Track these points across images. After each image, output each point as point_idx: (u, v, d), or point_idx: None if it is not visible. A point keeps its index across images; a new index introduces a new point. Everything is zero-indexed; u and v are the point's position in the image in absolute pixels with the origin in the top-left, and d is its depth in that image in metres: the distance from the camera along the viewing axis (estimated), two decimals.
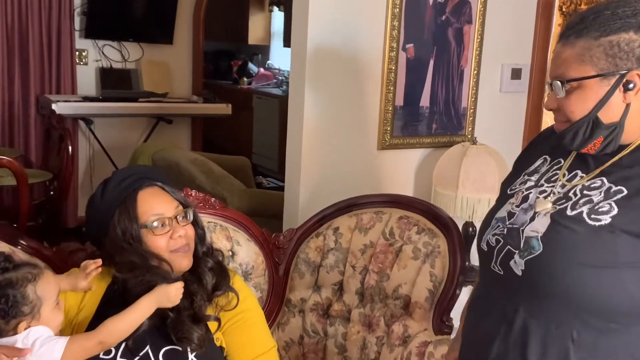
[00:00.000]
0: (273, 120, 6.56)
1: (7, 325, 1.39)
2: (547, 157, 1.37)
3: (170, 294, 1.51)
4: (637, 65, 1.16)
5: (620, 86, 1.17)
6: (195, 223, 1.68)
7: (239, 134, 7.10)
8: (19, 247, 1.88)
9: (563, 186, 1.27)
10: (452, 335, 1.95)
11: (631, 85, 1.16)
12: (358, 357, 2.17)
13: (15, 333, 1.40)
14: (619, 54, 1.15)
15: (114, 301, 1.55)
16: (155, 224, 1.56)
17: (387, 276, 2.15)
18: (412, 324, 2.10)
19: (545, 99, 1.29)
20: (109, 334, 1.45)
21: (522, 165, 1.42)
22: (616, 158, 1.23)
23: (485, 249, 1.33)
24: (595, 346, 1.19)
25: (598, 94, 1.18)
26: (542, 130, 1.52)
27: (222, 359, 1.64)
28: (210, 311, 1.64)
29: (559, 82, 1.20)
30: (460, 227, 2.23)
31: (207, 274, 1.65)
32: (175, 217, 1.59)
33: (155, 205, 1.58)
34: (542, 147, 1.41)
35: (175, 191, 1.67)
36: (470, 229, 2.59)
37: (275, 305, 2.19)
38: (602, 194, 1.20)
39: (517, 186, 1.36)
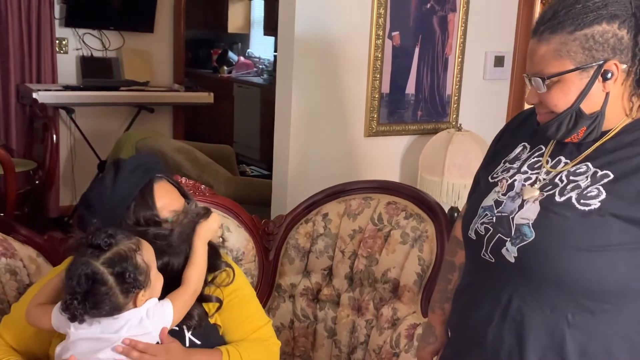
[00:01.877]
0: (254, 109, 6.55)
1: (127, 299, 1.38)
2: (526, 144, 1.39)
3: (213, 227, 1.58)
4: (612, 55, 1.19)
5: (599, 76, 1.20)
6: None
7: (220, 123, 7.08)
8: (11, 234, 1.89)
9: (548, 172, 1.29)
10: None
11: (609, 75, 1.19)
12: (348, 341, 2.21)
13: (135, 306, 1.40)
14: (594, 46, 1.18)
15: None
16: (170, 219, 1.56)
17: (376, 260, 2.18)
18: (401, 307, 2.14)
19: (526, 94, 1.31)
20: (196, 282, 1.51)
21: (499, 152, 1.43)
22: (599, 143, 1.26)
23: (474, 238, 1.35)
24: (590, 327, 1.23)
25: (579, 86, 1.21)
26: (515, 115, 1.53)
27: (218, 337, 1.65)
28: (209, 292, 1.65)
29: (539, 79, 1.23)
30: (446, 212, 2.28)
31: None
32: (184, 212, 1.59)
33: (171, 202, 1.57)
34: (520, 133, 1.42)
35: (179, 184, 1.68)
36: (456, 214, 2.63)
37: (265, 290, 2.22)
38: (589, 179, 1.23)
39: (500, 174, 1.38)
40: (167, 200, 1.57)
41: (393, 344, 2.09)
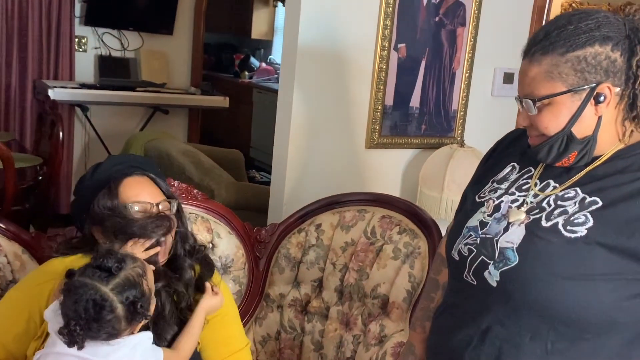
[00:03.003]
0: (272, 115, 6.46)
1: (129, 326, 1.34)
2: (515, 164, 1.36)
3: (217, 305, 1.63)
4: (605, 78, 1.15)
5: (592, 99, 1.17)
6: (179, 216, 1.65)
7: (238, 128, 7.10)
8: None
9: (536, 196, 1.26)
10: None
11: (602, 98, 1.16)
12: (334, 355, 2.17)
13: (132, 332, 1.36)
14: (587, 68, 1.15)
15: None
16: (136, 208, 1.54)
17: (366, 275, 2.15)
18: (389, 323, 2.10)
19: (517, 117, 1.28)
20: (188, 353, 1.53)
21: (488, 171, 1.41)
22: (589, 168, 1.22)
23: (457, 259, 1.32)
24: (569, 357, 1.19)
25: (570, 109, 1.18)
26: (506, 134, 1.50)
27: (195, 353, 1.63)
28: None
29: (530, 101, 1.20)
30: (444, 230, 2.23)
31: (188, 272, 1.63)
32: (158, 205, 1.57)
33: (139, 193, 1.56)
34: (510, 152, 1.40)
35: (165, 186, 1.65)
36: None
37: (253, 299, 2.19)
38: (577, 205, 1.19)
39: (487, 194, 1.35)
40: (135, 192, 1.55)
41: None
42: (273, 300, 2.22)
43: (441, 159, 2.56)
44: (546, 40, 1.18)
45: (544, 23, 2.87)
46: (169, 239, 1.59)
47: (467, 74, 2.75)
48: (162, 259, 1.57)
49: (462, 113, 2.79)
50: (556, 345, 1.19)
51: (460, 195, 2.47)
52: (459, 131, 2.80)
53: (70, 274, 1.36)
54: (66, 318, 1.30)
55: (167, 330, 1.53)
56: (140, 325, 1.38)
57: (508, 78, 2.88)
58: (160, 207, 1.58)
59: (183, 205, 2.06)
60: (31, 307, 1.52)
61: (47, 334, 1.48)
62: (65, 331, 1.30)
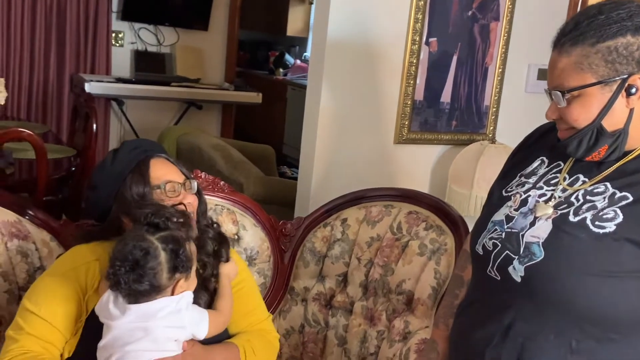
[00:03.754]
0: None
1: (170, 281, 1.39)
2: (544, 158, 1.33)
3: (233, 270, 1.66)
4: (637, 69, 1.12)
5: (623, 91, 1.13)
6: (199, 194, 1.70)
7: (271, 124, 7.12)
8: (27, 217, 1.91)
9: (564, 190, 1.23)
10: None
11: (634, 90, 1.13)
12: (358, 350, 2.16)
13: (172, 294, 1.41)
14: (618, 59, 1.12)
15: None
16: (167, 187, 1.58)
17: (391, 270, 2.13)
18: (414, 320, 2.07)
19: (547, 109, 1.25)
20: (229, 312, 1.58)
21: (516, 165, 1.38)
22: (620, 163, 1.19)
23: (481, 253, 1.29)
24: (593, 355, 1.16)
25: (601, 101, 1.15)
26: (535, 128, 1.46)
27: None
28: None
29: (559, 92, 1.17)
30: (472, 227, 2.20)
31: (209, 244, 1.67)
32: (184, 184, 1.62)
33: (167, 172, 1.61)
34: (538, 147, 1.37)
35: (180, 165, 1.70)
36: None
37: (278, 292, 2.19)
38: (606, 200, 1.16)
39: (514, 188, 1.32)
40: (162, 172, 1.60)
41: (402, 357, 2.03)
42: (297, 294, 2.21)
43: (471, 156, 2.52)
44: (576, 30, 1.15)
45: None
46: (195, 215, 1.64)
47: (500, 70, 2.71)
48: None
49: (494, 109, 2.74)
50: (581, 344, 1.16)
51: None
52: (491, 128, 2.75)
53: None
54: (113, 261, 1.37)
55: (198, 296, 1.56)
56: (182, 289, 1.42)
57: (542, 74, 2.82)
58: (186, 186, 1.62)
59: (209, 197, 2.09)
60: (76, 289, 1.55)
61: (82, 333, 1.52)
62: (110, 272, 1.37)
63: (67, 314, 1.53)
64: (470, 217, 2.41)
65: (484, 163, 2.47)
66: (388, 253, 2.15)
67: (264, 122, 7.09)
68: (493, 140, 2.58)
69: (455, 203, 2.46)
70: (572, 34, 1.16)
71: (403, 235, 2.14)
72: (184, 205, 1.57)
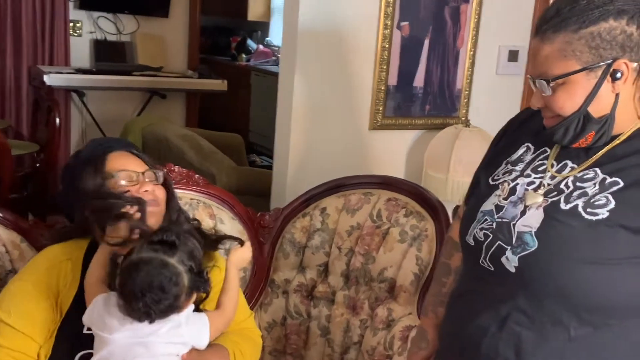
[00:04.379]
0: (271, 98, 6.38)
1: (188, 301, 1.36)
2: (529, 145, 1.31)
3: (247, 256, 1.58)
4: (622, 53, 1.11)
5: (608, 76, 1.12)
6: (167, 187, 1.63)
7: (236, 111, 7.02)
8: None
9: (553, 177, 1.22)
10: None
11: (619, 75, 1.11)
12: (341, 340, 2.14)
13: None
14: (601, 44, 1.10)
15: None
16: (121, 175, 1.54)
17: (373, 259, 2.11)
18: (397, 307, 2.07)
19: (532, 97, 1.23)
20: (233, 309, 1.50)
21: (501, 152, 1.36)
22: (608, 147, 1.18)
23: (472, 244, 1.28)
24: (592, 343, 1.16)
25: (586, 88, 1.13)
26: (517, 113, 1.45)
27: None
28: None
29: (543, 81, 1.15)
30: (450, 211, 2.19)
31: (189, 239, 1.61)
32: (143, 173, 1.57)
33: (125, 163, 1.57)
34: (522, 133, 1.35)
35: (146, 157, 1.65)
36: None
37: (258, 285, 2.16)
38: (597, 186, 1.15)
39: (501, 176, 1.30)
40: (119, 163, 1.56)
41: (387, 345, 2.03)
42: (278, 286, 2.18)
43: (447, 140, 2.51)
44: (557, 17, 1.13)
45: (549, 0, 2.81)
46: (162, 205, 1.57)
47: (471, 52, 2.70)
48: (153, 221, 1.52)
49: (466, 92, 2.74)
50: (579, 331, 1.15)
51: (466, 177, 2.46)
52: (464, 111, 2.75)
53: (122, 255, 1.37)
54: (137, 293, 1.29)
55: None
56: (191, 302, 1.38)
57: (513, 56, 2.83)
58: (146, 175, 1.57)
59: (184, 191, 2.04)
60: (48, 293, 1.50)
61: (57, 335, 1.47)
62: (138, 305, 1.28)
63: (39, 319, 1.48)
64: (448, 201, 2.41)
65: (460, 147, 2.46)
66: (369, 241, 2.13)
67: (228, 109, 6.99)
68: (467, 124, 2.58)
69: (431, 188, 2.45)
70: (554, 21, 1.13)
71: (383, 223, 2.13)
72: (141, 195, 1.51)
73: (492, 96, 2.83)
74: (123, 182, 1.53)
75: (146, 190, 1.54)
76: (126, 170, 1.55)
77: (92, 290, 1.43)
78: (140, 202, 1.49)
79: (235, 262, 1.54)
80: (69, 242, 1.59)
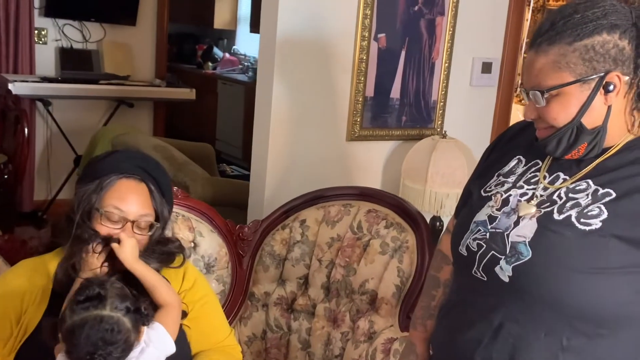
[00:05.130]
0: (238, 106, 6.45)
1: (137, 335, 1.34)
2: (521, 157, 1.33)
3: (131, 246, 1.46)
4: (614, 66, 1.14)
5: (601, 89, 1.15)
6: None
7: (202, 120, 6.97)
8: None
9: (545, 189, 1.23)
10: None
11: (611, 87, 1.14)
12: (322, 353, 2.13)
13: (139, 341, 1.35)
14: (595, 57, 1.13)
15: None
16: (109, 214, 1.47)
17: (353, 270, 2.11)
18: (378, 319, 2.06)
19: (524, 109, 1.25)
20: (172, 296, 1.45)
21: (492, 164, 1.38)
22: (600, 159, 1.20)
23: (465, 254, 1.28)
24: (585, 352, 1.17)
25: (579, 100, 1.16)
26: (509, 125, 1.47)
27: (185, 342, 1.58)
28: None
29: (537, 92, 1.17)
30: (428, 222, 2.20)
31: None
32: (134, 222, 1.49)
33: (123, 201, 1.48)
34: (514, 146, 1.37)
35: (161, 200, 1.57)
36: (438, 223, 2.56)
37: (238, 298, 2.13)
38: (590, 197, 1.17)
39: (493, 188, 1.31)
40: (121, 197, 1.48)
41: (369, 358, 2.02)
42: (258, 299, 2.16)
43: (424, 151, 2.53)
44: (552, 30, 1.16)
45: (522, 13, 2.86)
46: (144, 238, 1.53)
47: (446, 64, 2.72)
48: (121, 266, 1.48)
49: (441, 103, 2.76)
50: (572, 341, 1.17)
51: (444, 187, 2.48)
52: (439, 122, 2.77)
53: (57, 321, 1.33)
54: (85, 357, 1.27)
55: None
56: (143, 329, 1.36)
57: (486, 67, 2.86)
58: (137, 225, 1.49)
59: None
60: (10, 310, 1.47)
61: (20, 351, 1.44)
62: None
63: (5, 338, 1.46)
64: (426, 212, 2.42)
65: (437, 158, 2.47)
66: (349, 253, 2.12)
67: (194, 118, 6.93)
68: (444, 135, 2.60)
69: (409, 199, 2.46)
70: (548, 34, 1.16)
71: (364, 235, 2.12)
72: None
73: (466, 107, 2.87)
74: (103, 223, 1.47)
75: (120, 236, 1.46)
76: (116, 212, 1.47)
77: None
78: (107, 242, 1.45)
79: (129, 259, 1.44)
80: (46, 255, 1.55)
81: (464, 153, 2.51)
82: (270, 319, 2.16)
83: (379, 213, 2.15)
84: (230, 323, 2.09)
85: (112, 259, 1.45)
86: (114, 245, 1.44)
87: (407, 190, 2.55)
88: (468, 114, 2.87)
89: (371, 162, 2.66)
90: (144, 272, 1.45)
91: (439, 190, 2.46)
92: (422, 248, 2.06)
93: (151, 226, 1.52)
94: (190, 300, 1.60)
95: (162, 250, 1.58)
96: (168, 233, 1.69)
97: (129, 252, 1.44)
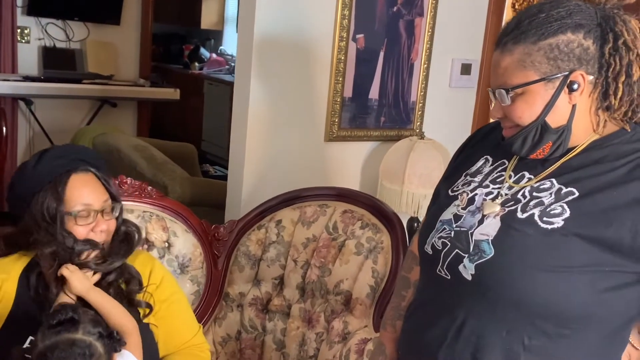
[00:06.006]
0: (224, 107, 6.43)
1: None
2: (488, 157, 1.33)
3: (79, 279, 1.46)
4: (578, 65, 1.14)
5: (565, 87, 1.15)
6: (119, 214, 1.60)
7: (188, 120, 6.95)
8: None
9: (510, 188, 1.24)
10: None
11: (575, 86, 1.14)
12: (297, 354, 2.12)
13: None
14: (559, 55, 1.13)
15: (36, 283, 1.49)
16: (81, 213, 1.49)
17: (329, 271, 2.10)
18: (353, 320, 2.06)
19: (491, 108, 1.25)
20: (128, 321, 1.45)
21: (460, 165, 1.38)
22: (565, 159, 1.21)
23: (431, 253, 1.28)
24: (547, 352, 1.17)
25: (544, 98, 1.16)
26: (478, 129, 1.48)
27: (153, 342, 1.59)
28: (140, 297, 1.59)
29: (502, 90, 1.18)
30: (405, 223, 2.20)
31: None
32: (102, 211, 1.52)
33: (85, 194, 1.50)
34: (482, 146, 1.37)
35: (109, 181, 1.59)
36: (415, 224, 2.56)
37: (212, 299, 2.12)
38: (553, 196, 1.17)
39: (460, 187, 1.32)
40: (80, 192, 1.49)
41: (342, 358, 2.01)
42: (233, 300, 2.15)
43: (401, 152, 2.53)
44: (518, 29, 1.16)
45: (502, 15, 2.86)
46: (109, 239, 1.55)
47: (425, 65, 2.72)
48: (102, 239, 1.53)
49: (420, 104, 2.76)
50: (533, 341, 1.17)
51: (421, 188, 2.48)
52: (418, 123, 2.77)
53: (26, 349, 1.32)
54: None
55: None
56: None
57: (465, 69, 2.87)
58: (104, 212, 1.53)
59: (136, 204, 2.00)
60: None
61: None
62: None
63: None
64: (403, 213, 2.42)
65: (414, 159, 2.47)
66: (325, 253, 2.12)
67: (180, 118, 6.91)
68: (422, 136, 2.60)
69: (387, 199, 2.46)
70: (514, 33, 1.17)
71: (339, 235, 2.12)
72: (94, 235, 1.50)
73: (446, 109, 2.87)
74: (80, 224, 1.48)
75: (101, 230, 1.51)
76: (87, 207, 1.49)
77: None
78: (93, 246, 1.49)
79: (81, 289, 1.45)
80: (10, 257, 1.54)
81: (441, 154, 2.51)
82: (245, 319, 2.15)
83: (355, 214, 2.14)
84: (204, 323, 2.09)
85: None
86: (65, 273, 1.45)
87: (384, 191, 2.55)
88: (447, 115, 2.87)
89: (350, 162, 2.66)
90: (99, 299, 1.45)
91: (416, 191, 2.46)
92: (397, 249, 2.06)
93: (113, 208, 1.55)
94: (157, 299, 1.60)
95: (121, 242, 1.60)
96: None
97: (79, 283, 1.45)
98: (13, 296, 1.49)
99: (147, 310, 1.57)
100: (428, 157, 2.48)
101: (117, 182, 1.97)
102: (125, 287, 1.55)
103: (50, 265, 1.46)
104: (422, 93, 2.75)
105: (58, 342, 1.27)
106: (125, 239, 1.60)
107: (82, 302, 1.46)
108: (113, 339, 1.34)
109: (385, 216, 2.12)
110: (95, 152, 1.69)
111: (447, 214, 1.29)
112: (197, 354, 1.67)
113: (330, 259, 2.11)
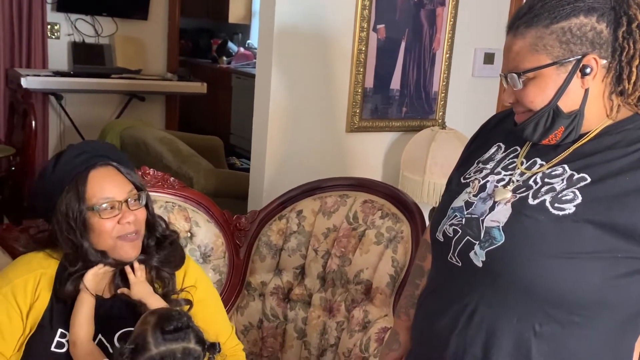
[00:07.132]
0: (252, 100, 6.44)
1: None
2: (501, 144, 1.33)
3: (139, 283, 1.53)
4: (591, 49, 1.12)
5: (578, 72, 1.14)
6: (147, 209, 1.59)
7: (217, 114, 7.00)
8: None
9: (522, 174, 1.23)
10: None
11: (588, 70, 1.13)
12: (318, 342, 2.14)
13: None
14: (572, 39, 1.12)
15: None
16: (104, 206, 1.48)
17: (349, 261, 2.11)
18: (373, 309, 2.07)
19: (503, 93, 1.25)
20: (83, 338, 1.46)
21: (473, 152, 1.38)
22: (577, 145, 1.19)
23: (442, 240, 1.28)
24: (557, 340, 1.16)
25: (556, 82, 1.15)
26: (490, 117, 1.47)
27: None
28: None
29: (514, 74, 1.17)
30: (427, 213, 2.20)
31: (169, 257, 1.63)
32: (126, 201, 1.51)
33: (106, 188, 1.50)
34: (494, 134, 1.36)
35: (131, 172, 1.58)
36: None
37: (234, 288, 2.15)
38: (565, 182, 1.16)
39: (472, 174, 1.31)
40: (100, 187, 1.49)
41: (363, 347, 2.03)
42: (254, 289, 2.18)
43: (423, 142, 2.52)
44: (530, 13, 1.15)
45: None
46: (142, 230, 1.55)
47: (447, 55, 2.71)
48: (134, 253, 1.54)
49: (442, 95, 2.75)
50: (544, 327, 1.16)
51: (442, 178, 2.47)
52: (440, 113, 2.76)
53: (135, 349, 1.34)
54: None
55: None
56: None
57: (488, 58, 2.85)
58: (129, 202, 1.52)
59: (159, 194, 2.03)
60: (15, 304, 1.48)
61: (25, 349, 1.46)
62: None
63: (9, 331, 1.46)
64: (424, 203, 2.42)
65: (436, 149, 2.47)
66: (345, 243, 2.13)
67: (209, 112, 6.97)
68: (443, 126, 2.59)
69: (408, 190, 2.46)
70: (526, 17, 1.16)
71: (359, 225, 2.13)
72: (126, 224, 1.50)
73: (468, 98, 2.85)
74: (104, 217, 1.48)
75: (128, 222, 1.50)
76: (110, 201, 1.49)
77: (82, 349, 1.44)
78: (119, 264, 1.52)
79: (144, 293, 1.51)
80: (42, 254, 1.55)
81: (462, 144, 2.47)
82: (267, 308, 2.17)
83: (375, 203, 2.15)
84: (227, 312, 2.11)
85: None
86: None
87: (406, 182, 2.55)
88: (470, 105, 2.86)
89: (371, 153, 2.66)
90: (158, 303, 1.50)
91: (437, 182, 2.45)
92: (416, 238, 2.06)
93: (139, 197, 1.54)
94: (194, 299, 1.62)
95: (168, 254, 1.62)
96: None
97: (141, 288, 1.51)
98: (49, 296, 1.51)
99: (187, 307, 1.58)
100: (449, 147, 2.47)
101: (140, 173, 2.00)
102: (160, 288, 1.58)
103: (72, 266, 1.49)
104: (444, 83, 2.74)
105: (175, 350, 1.30)
106: (173, 248, 1.62)
107: (115, 301, 1.51)
108: (215, 349, 1.36)
109: (405, 206, 2.12)
110: (114, 146, 1.69)
111: (459, 201, 1.28)
112: (233, 355, 1.69)
113: (351, 249, 2.12)
